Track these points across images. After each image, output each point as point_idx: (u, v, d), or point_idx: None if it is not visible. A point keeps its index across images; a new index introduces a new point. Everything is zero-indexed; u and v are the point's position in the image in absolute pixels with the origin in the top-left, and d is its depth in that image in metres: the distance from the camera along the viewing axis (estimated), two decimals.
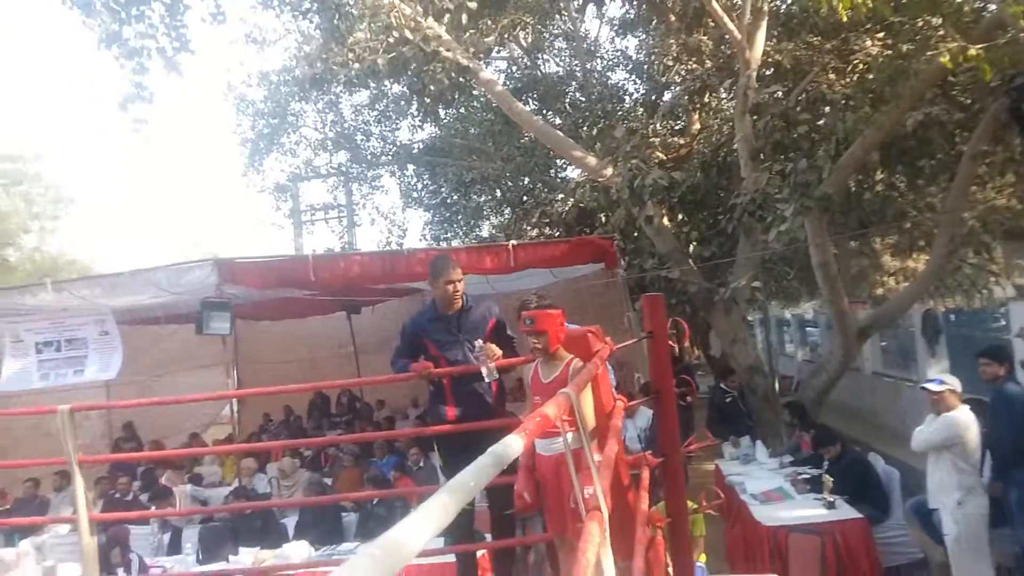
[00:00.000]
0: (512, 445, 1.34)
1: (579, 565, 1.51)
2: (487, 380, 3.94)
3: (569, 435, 3.28)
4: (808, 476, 6.76)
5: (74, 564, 6.32)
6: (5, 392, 7.98)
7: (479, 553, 4.57)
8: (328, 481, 8.16)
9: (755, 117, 8.20)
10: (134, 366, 9.63)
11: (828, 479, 6.19)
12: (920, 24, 7.43)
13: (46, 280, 7.68)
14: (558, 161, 16.26)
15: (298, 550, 6.12)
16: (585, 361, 3.39)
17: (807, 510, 6.12)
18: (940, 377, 5.52)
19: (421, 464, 8.03)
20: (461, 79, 8.97)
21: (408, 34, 8.07)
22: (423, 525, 0.84)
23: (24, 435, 9.75)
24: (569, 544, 3.45)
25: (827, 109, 8.27)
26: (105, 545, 5.87)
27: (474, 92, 13.89)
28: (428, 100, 9.19)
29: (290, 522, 7.11)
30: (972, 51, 5.01)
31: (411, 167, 17.41)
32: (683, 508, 3.85)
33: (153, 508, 7.57)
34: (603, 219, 10.82)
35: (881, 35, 7.99)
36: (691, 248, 10.35)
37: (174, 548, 6.97)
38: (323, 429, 11.88)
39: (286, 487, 8.25)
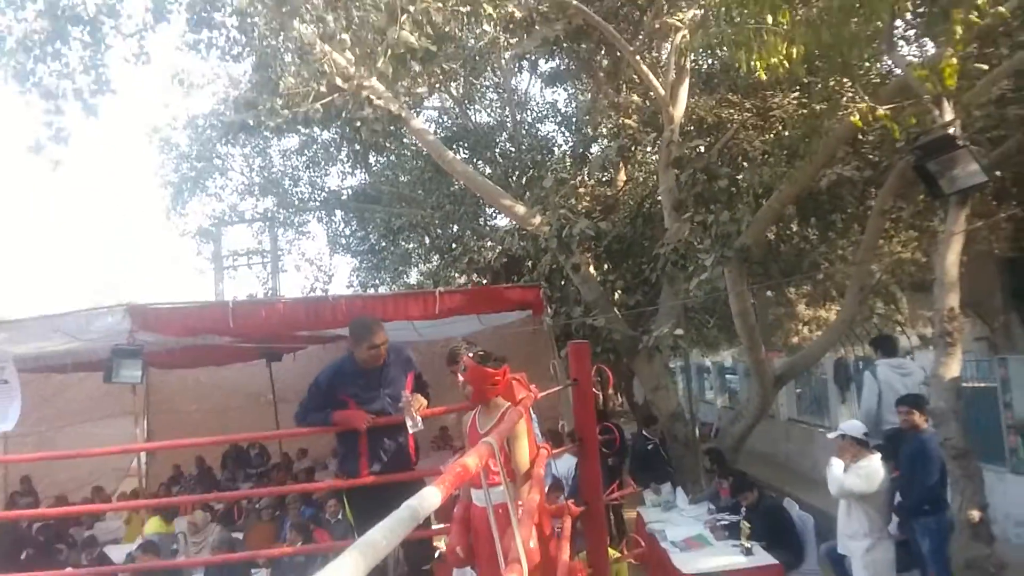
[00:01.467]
0: (429, 498, 1.28)
1: None
2: (412, 431, 3.86)
3: (499, 488, 3.28)
4: (727, 523, 6.83)
5: None
6: None
7: None
8: (239, 536, 7.83)
9: (678, 170, 8.47)
10: (36, 415, 9.13)
11: (745, 526, 6.27)
12: (832, 85, 7.85)
13: None
14: (487, 209, 16.41)
15: None
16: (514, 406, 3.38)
17: (725, 557, 6.16)
18: (849, 424, 5.69)
19: (340, 516, 7.80)
20: (392, 127, 9.00)
21: (339, 82, 8.06)
22: None
23: None
24: None
25: (746, 164, 8.61)
26: None
27: (405, 140, 13.95)
28: (359, 147, 9.17)
29: None
30: (880, 111, 5.30)
31: (339, 213, 17.26)
32: (605, 557, 3.83)
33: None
34: (531, 267, 10.92)
35: (796, 94, 8.40)
36: (616, 296, 10.51)
37: None
38: (237, 481, 11.44)
39: (194, 543, 7.88)
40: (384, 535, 1.00)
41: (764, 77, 5.49)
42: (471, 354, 3.78)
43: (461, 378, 3.42)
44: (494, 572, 3.26)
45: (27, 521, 8.30)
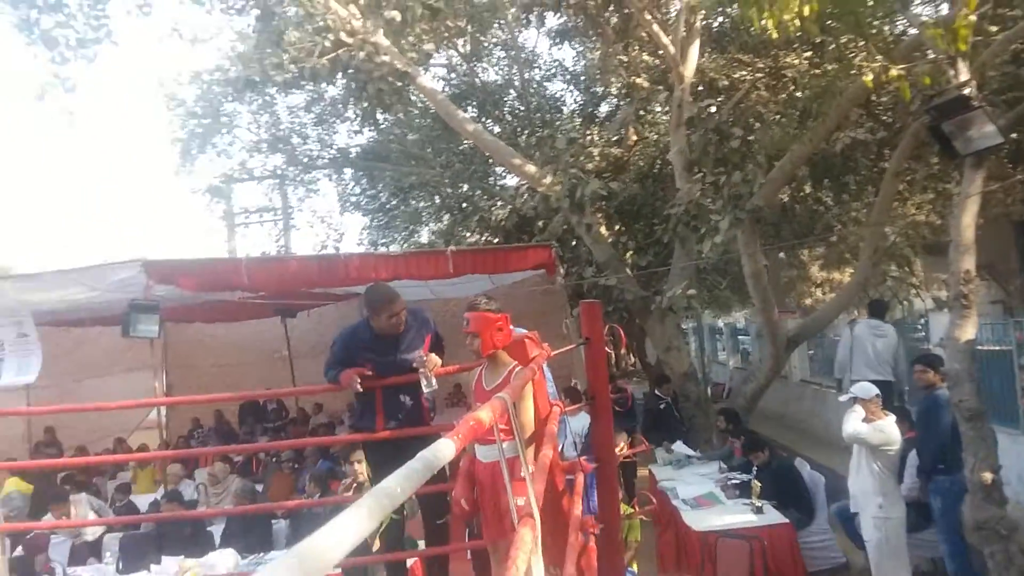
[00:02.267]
0: (443, 450, 1.31)
1: (509, 573, 1.51)
2: (426, 391, 3.89)
3: (505, 443, 3.32)
4: (738, 481, 6.91)
5: None
6: None
7: (410, 562, 4.52)
8: (259, 488, 7.98)
9: (689, 130, 8.38)
10: (56, 369, 9.25)
11: (756, 484, 6.34)
12: (845, 44, 7.72)
13: None
14: (497, 168, 16.32)
15: (224, 559, 5.96)
16: (524, 366, 3.40)
17: (736, 515, 6.25)
18: (861, 386, 5.71)
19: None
20: (399, 84, 8.93)
21: (344, 37, 7.98)
22: (345, 532, 0.80)
23: None
24: (503, 552, 3.44)
25: (758, 125, 8.51)
26: (25, 554, 5.61)
27: (412, 97, 13.84)
28: (366, 104, 9.09)
29: (217, 529, 6.92)
30: (893, 71, 5.21)
31: (349, 171, 17.19)
32: (616, 514, 3.89)
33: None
34: (541, 226, 10.89)
35: (808, 55, 8.27)
36: (628, 257, 10.50)
37: (94, 555, 6.71)
38: (255, 434, 11.63)
39: (215, 494, 8.04)
40: (399, 484, 1.03)
41: (775, 35, 5.39)
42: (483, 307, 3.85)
43: (467, 331, 3.41)
44: (498, 526, 3.32)
45: (52, 470, 8.46)
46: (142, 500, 8.05)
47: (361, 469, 5.12)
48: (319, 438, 9.26)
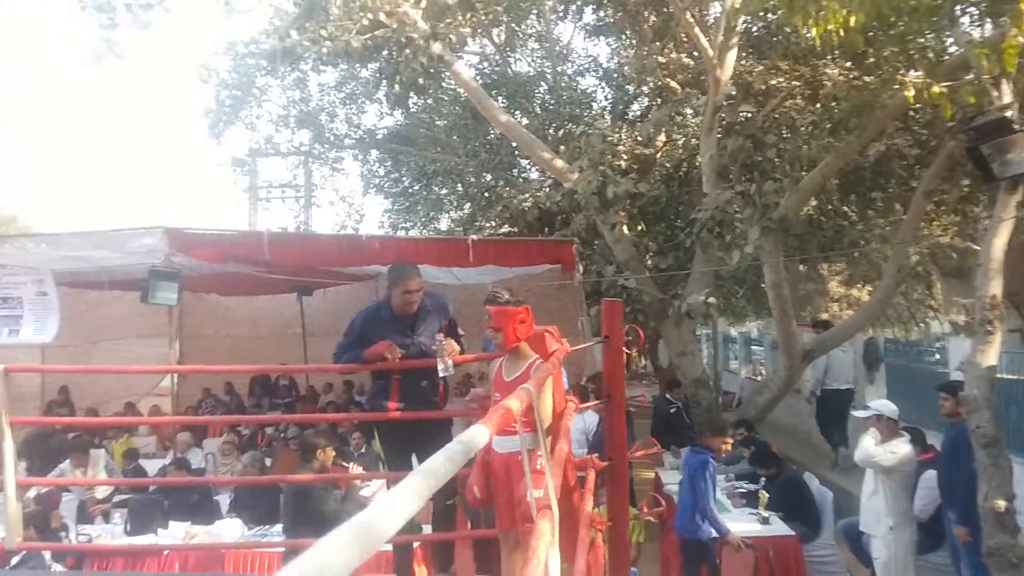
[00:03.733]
0: (478, 435, 1.33)
1: (530, 563, 1.50)
2: (442, 375, 3.90)
3: (526, 435, 3.32)
4: (744, 491, 6.88)
5: None
6: None
7: (415, 544, 4.53)
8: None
9: (724, 136, 8.31)
10: (71, 330, 9.33)
11: (764, 495, 6.32)
12: (886, 57, 7.63)
13: None
14: (522, 160, 16.28)
15: (230, 528, 6.01)
16: (543, 359, 3.39)
17: (742, 524, 6.22)
18: (882, 403, 5.68)
19: (363, 450, 7.96)
20: (433, 69, 8.91)
21: (383, 17, 7.98)
22: (398, 507, 0.82)
23: None
24: (513, 542, 3.44)
25: (790, 134, 8.43)
26: (40, 509, 5.66)
27: (444, 84, 13.81)
28: (398, 87, 9.08)
29: (223, 500, 6.97)
30: (936, 88, 5.14)
31: (374, 153, 17.20)
32: (625, 512, 3.88)
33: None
34: (563, 221, 10.86)
35: (848, 65, 8.18)
36: (647, 258, 10.45)
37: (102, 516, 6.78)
38: (264, 409, 11.69)
39: (224, 465, 8.10)
40: (443, 464, 1.05)
41: (818, 44, 5.32)
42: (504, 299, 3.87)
43: (490, 327, 3.41)
44: (510, 516, 3.33)
45: (63, 430, 8.54)
46: (151, 465, 8.11)
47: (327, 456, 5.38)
48: (328, 415, 9.30)
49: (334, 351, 3.99)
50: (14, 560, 4.73)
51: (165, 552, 5.72)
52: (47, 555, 5.34)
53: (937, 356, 10.18)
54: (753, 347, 18.85)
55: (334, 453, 5.60)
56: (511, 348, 3.41)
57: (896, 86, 6.70)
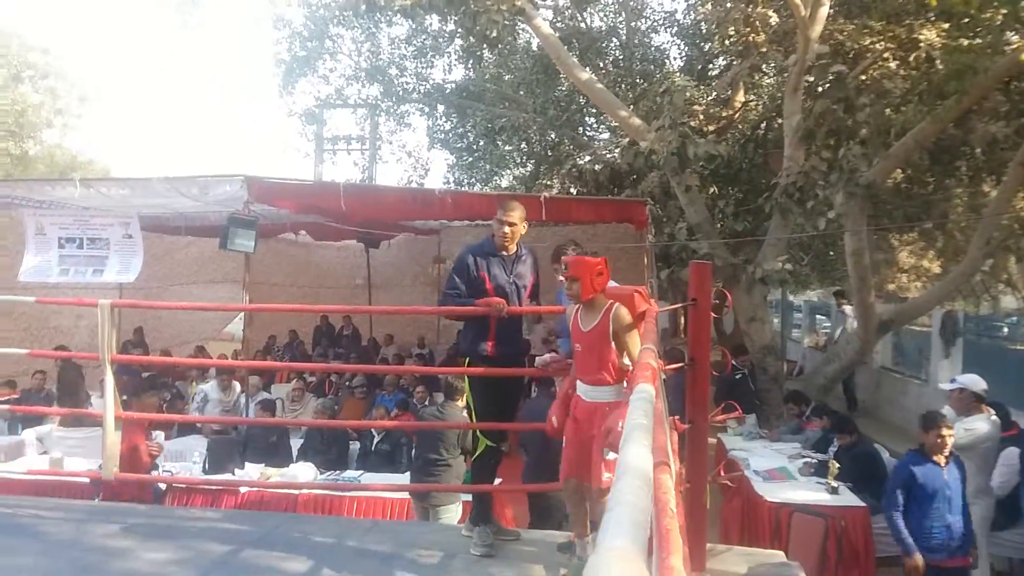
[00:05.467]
0: (648, 391, 1.35)
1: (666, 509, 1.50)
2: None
3: (610, 387, 3.33)
4: (814, 460, 6.79)
5: (81, 459, 6.39)
6: (23, 283, 7.95)
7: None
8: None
9: (810, 99, 7.99)
10: (147, 273, 9.62)
11: (834, 465, 6.21)
12: (986, 17, 7.21)
13: (75, 175, 7.62)
14: (588, 119, 16.03)
15: (304, 471, 6.18)
16: (632, 317, 3.36)
17: (810, 492, 6.15)
18: (970, 377, 5.51)
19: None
20: (510, 21, 8.79)
21: None
22: (644, 455, 0.86)
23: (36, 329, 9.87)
24: (579, 491, 3.46)
25: (883, 98, 8.06)
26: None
27: (516, 38, 13.63)
28: (473, 40, 8.99)
29: (294, 444, 7.15)
30: None
31: (441, 107, 17.16)
32: (704, 476, 3.87)
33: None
34: (633, 181, 10.68)
35: (946, 26, 7.78)
36: (719, 222, 10.25)
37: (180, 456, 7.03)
38: (328, 357, 11.92)
39: (292, 410, 8.31)
40: (644, 418, 1.06)
41: (934, 2, 5.04)
42: (565, 254, 3.94)
43: (563, 278, 3.39)
44: (580, 464, 3.34)
45: (139, 367, 8.86)
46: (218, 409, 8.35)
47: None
48: (393, 367, 9.44)
49: (445, 291, 4.03)
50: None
51: (243, 490, 5.91)
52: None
53: (1007, 331, 9.82)
54: (818, 316, 18.48)
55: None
56: (587, 299, 3.36)
57: (1003, 50, 6.34)
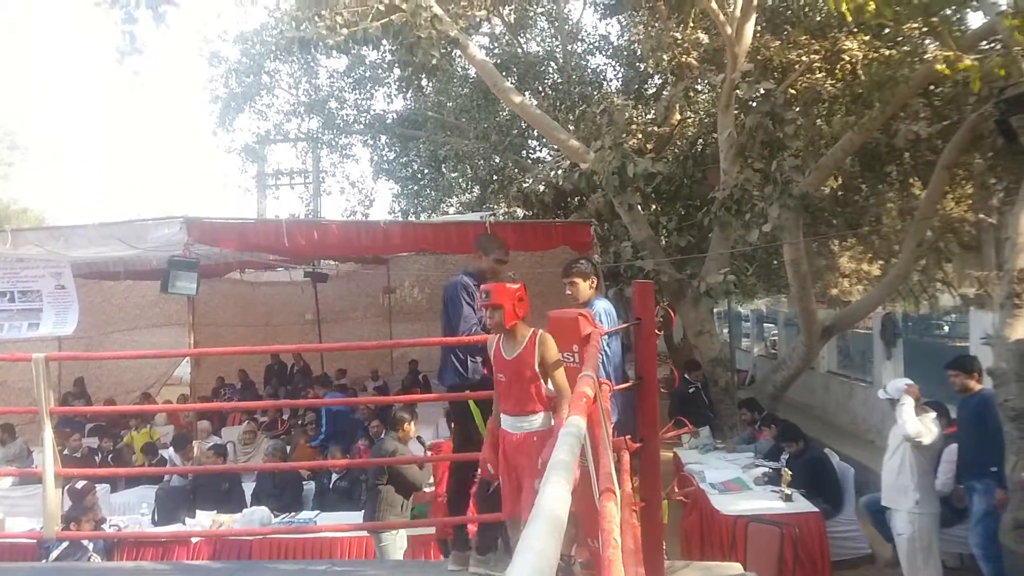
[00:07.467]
0: (579, 424, 1.37)
1: (609, 546, 1.51)
2: None
3: (538, 416, 3.28)
4: (767, 469, 6.89)
5: (24, 518, 6.15)
6: None
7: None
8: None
9: (743, 113, 8.21)
10: (85, 321, 9.36)
11: (787, 473, 6.32)
12: (908, 28, 7.50)
13: (6, 228, 7.41)
14: (531, 142, 16.17)
15: (258, 515, 6.04)
16: (577, 343, 3.37)
17: (764, 501, 6.24)
18: (904, 381, 5.66)
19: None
20: (446, 51, 8.84)
21: (398, 1, 7.91)
22: (562, 496, 0.90)
23: None
24: (521, 528, 3.43)
25: (812, 109, 8.32)
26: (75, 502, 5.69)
27: (453, 67, 13.72)
28: (411, 70, 9.02)
29: (247, 488, 6.99)
30: (966, 61, 5.07)
31: (383, 138, 17.15)
32: (658, 493, 3.90)
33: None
34: (578, 202, 10.79)
35: (867, 39, 8.07)
36: (664, 238, 10.40)
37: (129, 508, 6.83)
38: (279, 396, 11.71)
39: (245, 453, 8.14)
40: (568, 455, 1.09)
41: (848, 15, 5.23)
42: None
43: (483, 306, 3.38)
44: (515, 499, 3.30)
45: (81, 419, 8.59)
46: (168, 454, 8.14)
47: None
48: (365, 398, 9.31)
49: (473, 323, 3.99)
50: (54, 553, 4.77)
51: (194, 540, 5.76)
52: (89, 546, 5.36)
53: (947, 329, 10.11)
54: (765, 324, 18.82)
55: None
56: (510, 327, 3.31)
57: (921, 59, 6.59)
